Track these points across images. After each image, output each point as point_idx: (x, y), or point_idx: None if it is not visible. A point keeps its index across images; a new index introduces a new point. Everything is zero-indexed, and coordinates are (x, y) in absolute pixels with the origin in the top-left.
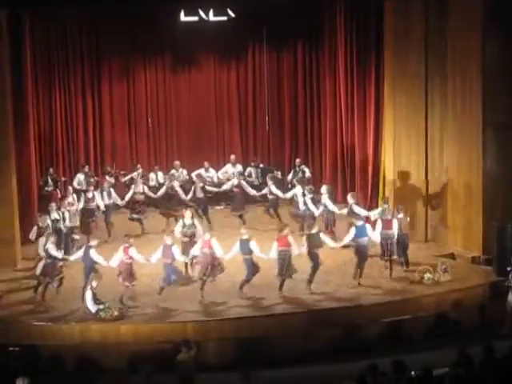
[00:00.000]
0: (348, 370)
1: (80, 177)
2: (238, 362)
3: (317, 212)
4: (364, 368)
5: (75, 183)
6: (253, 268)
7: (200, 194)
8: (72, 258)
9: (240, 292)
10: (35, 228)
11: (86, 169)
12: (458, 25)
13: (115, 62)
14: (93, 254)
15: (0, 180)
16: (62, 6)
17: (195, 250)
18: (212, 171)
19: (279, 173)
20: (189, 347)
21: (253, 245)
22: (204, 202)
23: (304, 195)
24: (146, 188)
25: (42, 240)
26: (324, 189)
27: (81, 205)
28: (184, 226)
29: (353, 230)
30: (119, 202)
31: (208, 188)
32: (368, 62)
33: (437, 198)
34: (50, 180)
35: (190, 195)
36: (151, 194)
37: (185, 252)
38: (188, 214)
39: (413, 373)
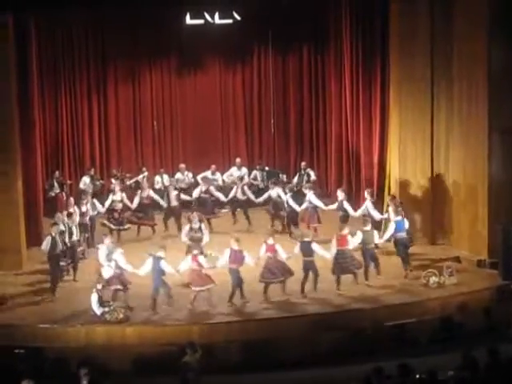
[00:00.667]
0: (353, 373)
1: (86, 180)
2: (244, 365)
3: (298, 208)
4: (369, 371)
5: (81, 185)
6: (316, 270)
7: (174, 203)
8: (141, 272)
9: (303, 295)
10: (49, 238)
11: (92, 172)
12: (464, 28)
13: (121, 66)
14: (163, 265)
15: (6, 183)
16: (67, 10)
17: (261, 254)
18: (218, 174)
19: (284, 176)
20: (194, 350)
21: (315, 246)
22: (178, 209)
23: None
24: (152, 192)
25: (103, 248)
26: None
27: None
28: (191, 229)
29: (392, 226)
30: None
31: (182, 196)
32: (374, 65)
33: (442, 201)
34: (55, 183)
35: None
36: (157, 199)
37: (196, 246)
38: (195, 217)
39: (418, 376)
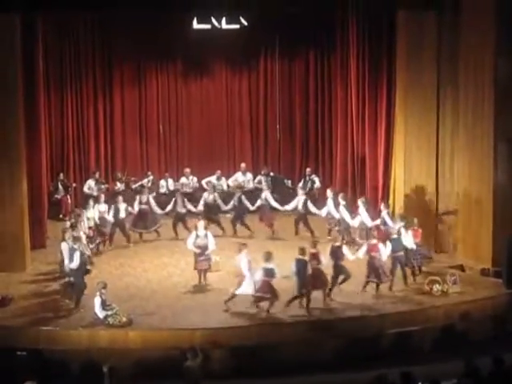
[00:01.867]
0: (356, 380)
1: (91, 183)
2: (245, 370)
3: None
4: (372, 379)
5: (86, 188)
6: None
7: (181, 209)
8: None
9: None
10: (78, 254)
11: (97, 175)
12: (471, 36)
13: (127, 69)
14: (345, 250)
15: (10, 185)
16: (74, 12)
17: (361, 253)
18: (223, 179)
19: (289, 181)
20: (195, 355)
21: (345, 250)
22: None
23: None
24: (151, 198)
25: (244, 260)
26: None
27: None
28: (197, 237)
29: (389, 245)
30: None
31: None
32: (380, 71)
33: (447, 208)
34: (60, 186)
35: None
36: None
37: (198, 261)
38: (201, 224)
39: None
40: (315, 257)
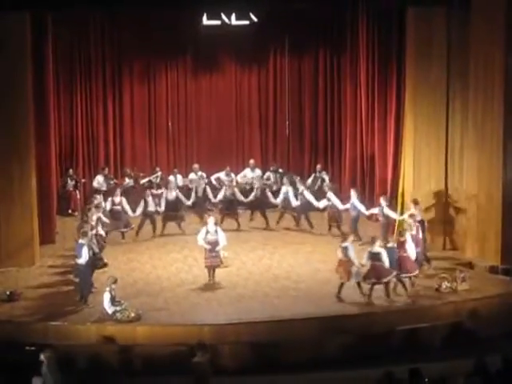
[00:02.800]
0: (364, 377)
1: (99, 178)
2: (253, 367)
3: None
4: (380, 375)
5: (95, 184)
6: None
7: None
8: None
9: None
10: (85, 249)
11: (106, 171)
12: (481, 34)
13: (136, 65)
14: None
15: (20, 180)
16: (84, 9)
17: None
18: (232, 175)
19: (298, 178)
20: (204, 350)
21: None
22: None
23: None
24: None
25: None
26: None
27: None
28: (207, 232)
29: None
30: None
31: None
32: (389, 69)
33: (455, 206)
34: (69, 181)
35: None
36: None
37: (208, 257)
38: (211, 220)
39: (426, 380)
40: (402, 245)
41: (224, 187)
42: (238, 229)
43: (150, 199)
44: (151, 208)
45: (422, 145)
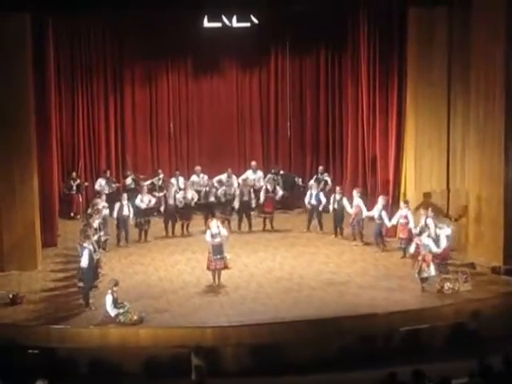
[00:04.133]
0: (366, 378)
1: (101, 181)
2: (254, 369)
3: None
4: (383, 377)
5: (97, 187)
6: None
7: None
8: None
9: None
10: (86, 252)
11: (108, 174)
12: (482, 34)
13: (138, 67)
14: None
15: (21, 183)
16: (85, 11)
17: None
18: (234, 177)
19: (300, 179)
20: (200, 354)
21: None
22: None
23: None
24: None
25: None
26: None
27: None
28: (211, 235)
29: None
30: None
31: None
32: (390, 68)
33: (457, 206)
34: (72, 184)
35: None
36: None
37: (212, 260)
38: (214, 223)
39: (430, 382)
40: None
41: (238, 191)
42: (250, 231)
43: (125, 203)
44: (126, 212)
45: (423, 144)
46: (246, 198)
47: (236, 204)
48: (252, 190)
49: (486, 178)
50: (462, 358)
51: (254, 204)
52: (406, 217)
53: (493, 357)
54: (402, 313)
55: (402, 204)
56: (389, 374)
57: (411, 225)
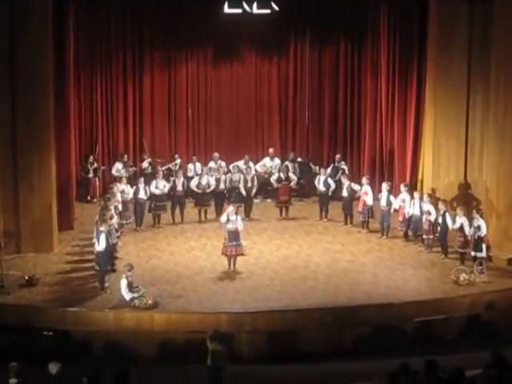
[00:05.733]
0: (379, 367)
1: (118, 165)
2: (268, 356)
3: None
4: (396, 367)
5: (114, 171)
6: None
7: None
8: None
9: None
10: (103, 236)
11: (125, 158)
12: (503, 28)
13: (157, 53)
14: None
15: (39, 167)
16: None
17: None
18: (251, 164)
19: (317, 167)
20: (220, 339)
21: None
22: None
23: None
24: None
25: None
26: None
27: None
28: (228, 221)
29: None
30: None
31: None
32: (410, 62)
33: (474, 200)
34: (89, 168)
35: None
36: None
37: (228, 246)
38: (231, 209)
39: (443, 373)
40: None
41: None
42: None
43: (141, 186)
44: (142, 195)
45: (442, 139)
46: (249, 185)
47: (242, 190)
48: (256, 178)
49: (504, 172)
50: (476, 350)
51: (253, 193)
52: (404, 200)
53: (507, 349)
54: (416, 303)
55: (402, 187)
56: (402, 365)
57: (406, 209)
